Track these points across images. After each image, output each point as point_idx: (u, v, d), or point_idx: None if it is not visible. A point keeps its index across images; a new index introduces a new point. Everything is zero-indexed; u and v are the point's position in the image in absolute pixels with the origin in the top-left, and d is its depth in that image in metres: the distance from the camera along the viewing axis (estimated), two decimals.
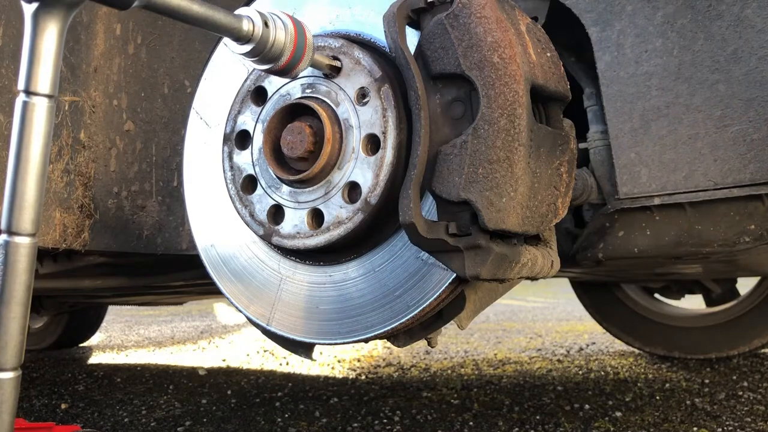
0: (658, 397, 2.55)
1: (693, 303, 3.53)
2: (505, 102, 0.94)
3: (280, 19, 0.94)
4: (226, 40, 0.94)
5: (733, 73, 1.15)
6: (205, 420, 2.35)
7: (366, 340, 1.13)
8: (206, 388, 2.97)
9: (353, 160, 1.05)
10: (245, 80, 1.18)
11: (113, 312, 7.51)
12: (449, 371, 3.32)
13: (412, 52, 1.01)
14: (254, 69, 1.16)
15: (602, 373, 3.14)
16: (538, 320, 6.25)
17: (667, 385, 2.79)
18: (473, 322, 5.90)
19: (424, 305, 1.05)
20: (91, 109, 1.55)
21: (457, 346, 4.40)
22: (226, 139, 1.18)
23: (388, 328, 1.08)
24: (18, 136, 0.73)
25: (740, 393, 2.58)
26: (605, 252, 1.33)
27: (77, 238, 1.54)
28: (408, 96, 0.99)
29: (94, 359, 4.19)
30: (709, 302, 3.43)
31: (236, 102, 1.18)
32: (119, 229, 1.62)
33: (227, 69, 1.27)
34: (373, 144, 1.05)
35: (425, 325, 1.13)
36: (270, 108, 1.13)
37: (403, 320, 1.07)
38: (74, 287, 2.46)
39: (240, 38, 0.91)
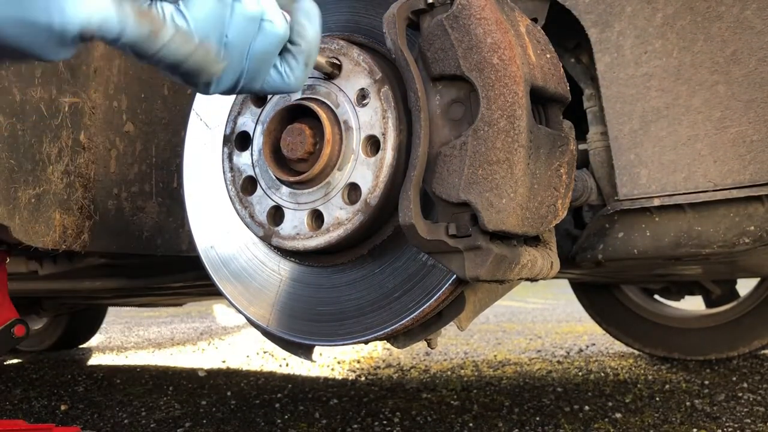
0: (657, 399, 2.55)
1: (693, 304, 3.53)
2: (505, 103, 0.94)
3: None
4: None
5: (732, 74, 1.15)
6: (204, 421, 2.35)
7: (366, 342, 1.13)
8: (206, 390, 2.97)
9: (353, 161, 1.05)
10: None
11: (113, 313, 7.51)
12: (449, 372, 3.32)
13: (412, 54, 1.01)
14: None
15: (602, 374, 3.14)
16: (537, 321, 6.25)
17: (667, 386, 2.79)
18: (473, 323, 5.90)
19: (424, 306, 1.05)
20: (90, 110, 1.55)
21: (457, 347, 4.40)
22: (226, 140, 1.18)
23: (388, 329, 1.08)
24: None
25: (740, 394, 2.58)
26: (605, 253, 1.33)
27: (77, 239, 1.54)
28: (408, 97, 0.99)
29: (93, 360, 4.19)
30: (709, 303, 3.43)
31: (236, 103, 1.18)
32: (119, 231, 1.62)
33: None
34: (372, 145, 1.05)
35: (425, 327, 1.13)
36: (270, 109, 1.13)
37: (403, 321, 1.07)
38: (74, 288, 2.46)
39: None
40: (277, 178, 1.12)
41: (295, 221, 1.10)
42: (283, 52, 0.87)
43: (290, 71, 0.88)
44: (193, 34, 0.76)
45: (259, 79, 0.86)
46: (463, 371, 3.35)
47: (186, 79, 0.80)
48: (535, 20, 1.23)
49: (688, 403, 2.45)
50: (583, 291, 3.56)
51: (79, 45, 0.67)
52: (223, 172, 1.18)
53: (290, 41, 0.87)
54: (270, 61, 0.85)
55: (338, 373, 3.40)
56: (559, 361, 3.61)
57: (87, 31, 0.65)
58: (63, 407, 2.64)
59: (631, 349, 3.71)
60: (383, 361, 3.77)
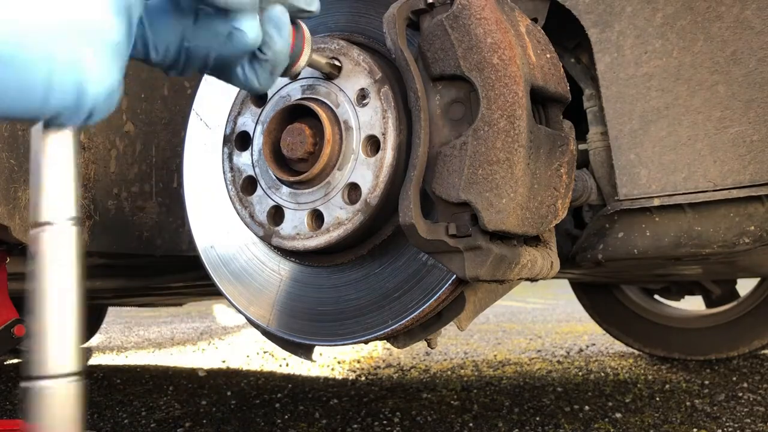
0: (657, 399, 2.55)
1: (693, 304, 3.53)
2: (505, 103, 0.94)
3: None
4: None
5: (732, 74, 1.15)
6: (204, 421, 2.35)
7: (366, 342, 1.13)
8: (206, 390, 2.97)
9: (353, 161, 1.05)
10: None
11: (113, 313, 7.51)
12: (449, 372, 3.32)
13: (412, 54, 1.01)
14: None
15: (602, 374, 3.14)
16: (537, 321, 6.25)
17: (667, 386, 2.79)
18: (473, 323, 5.90)
19: (424, 306, 1.05)
20: None
21: (457, 347, 4.40)
22: (226, 140, 1.18)
23: (388, 329, 1.08)
24: (45, 270, 0.65)
25: (740, 394, 2.58)
26: (605, 253, 1.33)
27: None
28: (408, 97, 0.99)
29: (93, 360, 4.19)
30: (709, 303, 3.43)
31: (236, 103, 1.18)
32: (119, 231, 1.62)
33: None
34: (372, 145, 1.05)
35: (425, 326, 1.13)
36: (270, 109, 1.13)
37: (403, 321, 1.07)
38: None
39: None
40: (277, 178, 1.12)
41: (295, 221, 1.10)
42: (252, 56, 0.88)
43: (255, 76, 0.89)
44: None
45: (224, 74, 0.88)
46: (463, 371, 3.35)
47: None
48: (535, 20, 1.23)
49: (688, 403, 2.45)
50: (583, 291, 3.56)
51: None
52: (223, 172, 1.18)
53: (259, 49, 0.87)
54: (234, 64, 0.86)
55: (338, 373, 3.40)
56: (559, 361, 3.61)
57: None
58: None
59: (631, 349, 3.71)
60: (383, 361, 3.77)
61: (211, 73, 0.88)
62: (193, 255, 1.38)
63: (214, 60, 0.83)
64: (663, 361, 3.42)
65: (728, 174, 1.15)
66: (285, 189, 1.12)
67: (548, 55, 1.08)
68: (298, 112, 1.10)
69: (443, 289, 1.04)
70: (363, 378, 3.21)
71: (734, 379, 2.89)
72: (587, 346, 4.20)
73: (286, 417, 2.38)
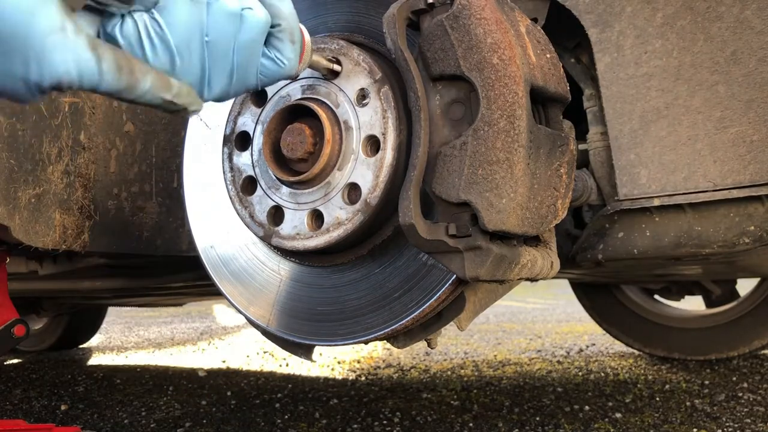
0: (657, 399, 2.55)
1: (693, 304, 3.53)
2: (505, 103, 0.94)
3: None
4: None
5: (732, 74, 1.15)
6: (204, 421, 2.35)
7: (366, 342, 1.13)
8: (206, 390, 2.97)
9: (353, 161, 1.05)
10: None
11: (113, 313, 7.51)
12: (449, 372, 3.32)
13: (412, 54, 1.01)
14: None
15: (602, 374, 3.14)
16: (537, 321, 6.25)
17: (667, 386, 2.79)
18: (473, 323, 5.90)
19: (424, 306, 1.05)
20: (91, 110, 1.55)
21: (457, 347, 4.40)
22: (226, 140, 1.18)
23: (388, 329, 1.08)
24: None
25: (740, 394, 2.58)
26: (605, 253, 1.33)
27: (77, 239, 1.54)
28: (408, 97, 0.99)
29: (93, 360, 4.19)
30: (709, 303, 3.43)
31: (236, 103, 1.18)
32: (119, 231, 1.62)
33: None
34: (372, 145, 1.05)
35: (425, 327, 1.13)
36: (270, 109, 1.13)
37: (403, 321, 1.07)
38: (74, 288, 2.46)
39: None
40: (277, 178, 1.12)
41: (295, 221, 1.10)
42: (267, 37, 0.86)
43: (280, 54, 0.87)
44: (173, 79, 0.76)
45: (251, 71, 0.85)
46: (463, 371, 3.35)
47: (170, 113, 0.81)
48: (535, 20, 1.23)
49: (688, 403, 2.45)
50: (583, 291, 3.56)
51: (56, 90, 0.68)
52: (223, 172, 1.18)
53: (271, 26, 0.86)
54: (258, 51, 0.84)
55: (338, 373, 3.40)
56: (559, 361, 3.61)
57: (63, 84, 0.66)
58: (63, 407, 2.64)
59: (631, 349, 3.71)
60: (383, 361, 3.77)
61: (239, 85, 0.85)
62: (193, 255, 1.38)
63: (237, 55, 0.81)
64: (663, 361, 3.42)
65: (728, 174, 1.15)
66: (285, 189, 1.12)
67: (548, 55, 1.08)
68: (298, 112, 1.10)
69: (443, 289, 1.04)
70: (363, 378, 3.21)
71: (734, 379, 2.89)
72: (587, 346, 4.20)
73: (286, 417, 2.38)
